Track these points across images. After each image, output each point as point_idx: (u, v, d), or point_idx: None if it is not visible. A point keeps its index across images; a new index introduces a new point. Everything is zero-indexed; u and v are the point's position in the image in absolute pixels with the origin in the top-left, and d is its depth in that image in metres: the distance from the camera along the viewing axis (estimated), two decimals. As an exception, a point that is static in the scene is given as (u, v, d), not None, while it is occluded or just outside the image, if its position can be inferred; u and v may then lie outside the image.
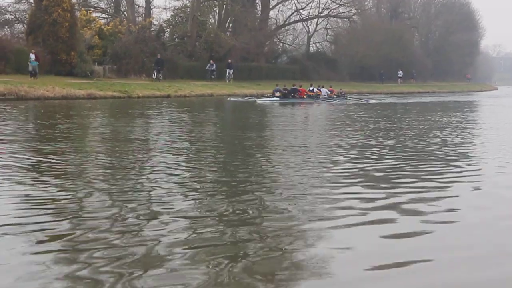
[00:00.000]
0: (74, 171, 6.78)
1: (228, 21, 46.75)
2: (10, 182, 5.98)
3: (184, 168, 7.15)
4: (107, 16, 44.27)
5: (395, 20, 65.68)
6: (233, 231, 4.35)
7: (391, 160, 8.11)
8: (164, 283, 3.32)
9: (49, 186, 5.79)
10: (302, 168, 7.24)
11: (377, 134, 11.93)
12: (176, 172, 6.78)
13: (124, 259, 3.66)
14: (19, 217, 4.60)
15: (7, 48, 28.27)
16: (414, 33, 70.90)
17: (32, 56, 26.79)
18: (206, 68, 38.27)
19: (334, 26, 56.68)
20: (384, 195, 5.69)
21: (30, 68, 26.66)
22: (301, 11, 52.18)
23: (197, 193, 5.67)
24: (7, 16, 39.68)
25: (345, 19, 55.20)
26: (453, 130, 13.34)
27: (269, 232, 4.34)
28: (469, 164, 7.90)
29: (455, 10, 73.17)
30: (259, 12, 49.49)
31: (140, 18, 43.45)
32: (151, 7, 45.72)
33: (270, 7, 50.54)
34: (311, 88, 31.24)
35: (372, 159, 8.17)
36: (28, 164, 7.21)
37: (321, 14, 53.35)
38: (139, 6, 45.48)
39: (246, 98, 28.52)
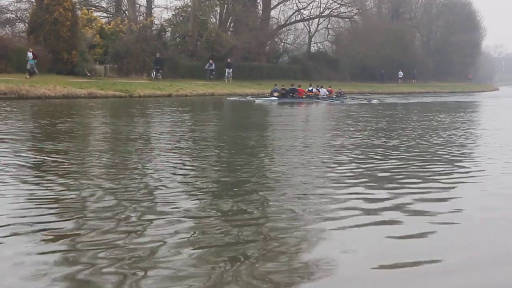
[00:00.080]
0: (77, 170, 6.75)
1: (229, 20, 46.77)
2: (14, 181, 5.95)
3: (187, 167, 7.12)
4: (108, 15, 44.27)
5: (396, 20, 65.69)
6: (238, 232, 4.31)
7: (395, 160, 8.08)
8: (168, 284, 3.29)
9: (53, 185, 5.76)
10: (306, 168, 7.21)
11: (380, 134, 11.90)
12: (179, 172, 6.75)
13: (128, 260, 3.63)
14: (23, 217, 4.57)
15: (9, 47, 28.28)
16: (415, 33, 70.87)
17: (30, 54, 26.75)
18: (205, 67, 38.25)
19: (335, 26, 56.66)
20: (388, 196, 5.66)
21: (28, 67, 26.63)
22: (302, 10, 52.30)
23: (202, 193, 5.64)
24: (8, 15, 39.72)
25: (346, 19, 55.18)
26: (456, 130, 13.30)
27: (274, 233, 4.31)
28: (473, 165, 7.87)
29: (456, 11, 73.18)
30: (260, 11, 49.48)
31: (141, 18, 43.46)
32: (152, 6, 45.76)
33: (271, 6, 50.55)
34: (310, 88, 31.25)
35: (376, 159, 8.14)
36: (31, 163, 7.18)
37: (322, 14, 53.36)
38: (140, 5, 45.51)
39: (246, 97, 28.51)
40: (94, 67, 31.82)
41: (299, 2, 51.02)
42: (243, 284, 3.34)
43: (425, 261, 3.77)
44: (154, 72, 33.81)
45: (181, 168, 7.00)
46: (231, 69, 39.28)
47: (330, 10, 53.07)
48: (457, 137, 11.71)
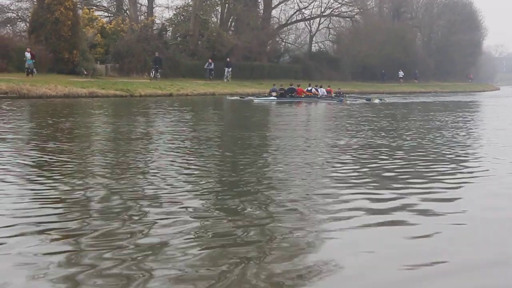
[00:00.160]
0: (81, 169, 6.73)
1: (230, 20, 46.76)
2: (18, 180, 5.94)
3: (191, 167, 7.09)
4: (109, 14, 44.27)
5: (397, 20, 65.61)
6: (244, 232, 4.29)
7: (400, 160, 8.06)
8: (173, 285, 3.27)
9: (58, 185, 5.75)
10: (310, 167, 7.19)
11: (383, 134, 11.88)
12: (184, 172, 6.73)
13: (132, 260, 3.61)
14: (28, 217, 4.55)
15: (10, 47, 28.29)
16: (416, 33, 70.80)
17: (28, 54, 26.71)
18: (205, 67, 38.22)
19: (336, 25, 56.65)
20: (394, 196, 5.64)
21: (26, 66, 26.59)
22: (303, 10, 52.24)
23: (206, 193, 5.61)
24: (9, 15, 39.73)
25: (348, 19, 55.18)
26: (459, 130, 13.28)
27: (280, 233, 4.29)
28: (478, 165, 7.85)
29: (457, 10, 73.08)
30: (262, 11, 49.46)
31: (142, 17, 43.45)
32: (154, 6, 45.73)
33: (273, 6, 50.54)
34: (309, 88, 31.25)
35: (380, 159, 8.12)
36: (35, 163, 7.16)
37: (324, 14, 53.34)
38: (141, 4, 45.46)
39: (245, 97, 28.48)
40: (94, 66, 31.81)
41: (300, 1, 51.07)
42: (250, 285, 3.31)
43: (431, 262, 3.75)
44: (153, 72, 33.80)
45: (185, 168, 6.98)
46: (230, 68, 39.26)
47: (331, 9, 53.07)
48: (460, 137, 11.68)
